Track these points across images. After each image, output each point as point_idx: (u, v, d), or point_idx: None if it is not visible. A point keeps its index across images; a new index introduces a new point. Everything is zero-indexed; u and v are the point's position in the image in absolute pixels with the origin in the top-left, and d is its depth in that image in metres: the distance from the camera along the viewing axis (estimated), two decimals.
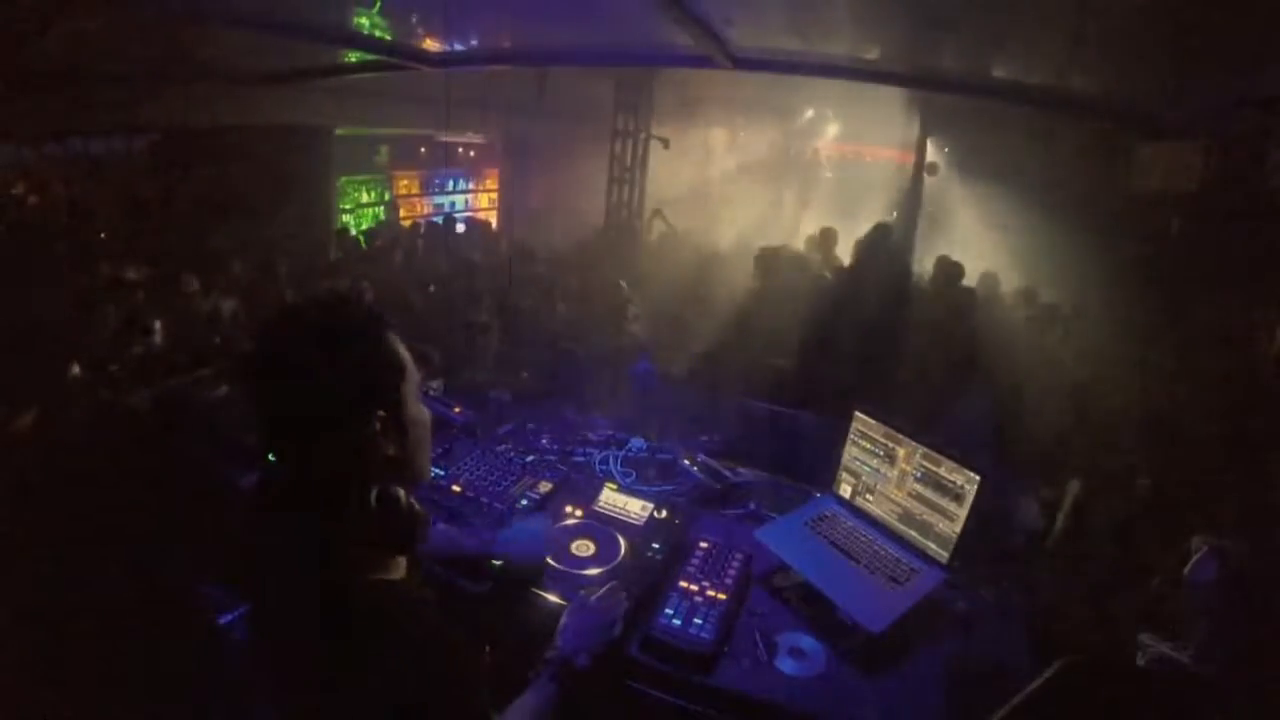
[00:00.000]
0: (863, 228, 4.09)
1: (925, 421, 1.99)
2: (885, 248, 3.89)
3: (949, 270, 5.12)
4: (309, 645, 0.94)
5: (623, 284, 5.31)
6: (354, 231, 7.36)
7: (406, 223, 8.48)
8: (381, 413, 0.95)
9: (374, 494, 0.97)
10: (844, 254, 5.84)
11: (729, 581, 1.66)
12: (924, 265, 5.70)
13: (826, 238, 6.12)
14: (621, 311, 4.89)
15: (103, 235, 4.96)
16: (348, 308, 1.00)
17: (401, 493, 1.00)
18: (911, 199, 7.29)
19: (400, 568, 1.04)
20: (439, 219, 8.40)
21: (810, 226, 7.11)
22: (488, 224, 9.07)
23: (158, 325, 3.79)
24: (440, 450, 2.16)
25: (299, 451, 0.95)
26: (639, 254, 7.30)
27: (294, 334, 0.95)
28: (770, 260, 4.90)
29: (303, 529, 0.96)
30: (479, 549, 1.64)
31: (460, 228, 7.88)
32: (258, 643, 1.08)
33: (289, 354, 0.93)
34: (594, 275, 6.10)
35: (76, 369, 2.91)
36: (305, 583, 0.94)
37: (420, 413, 1.03)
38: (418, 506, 1.03)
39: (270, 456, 0.98)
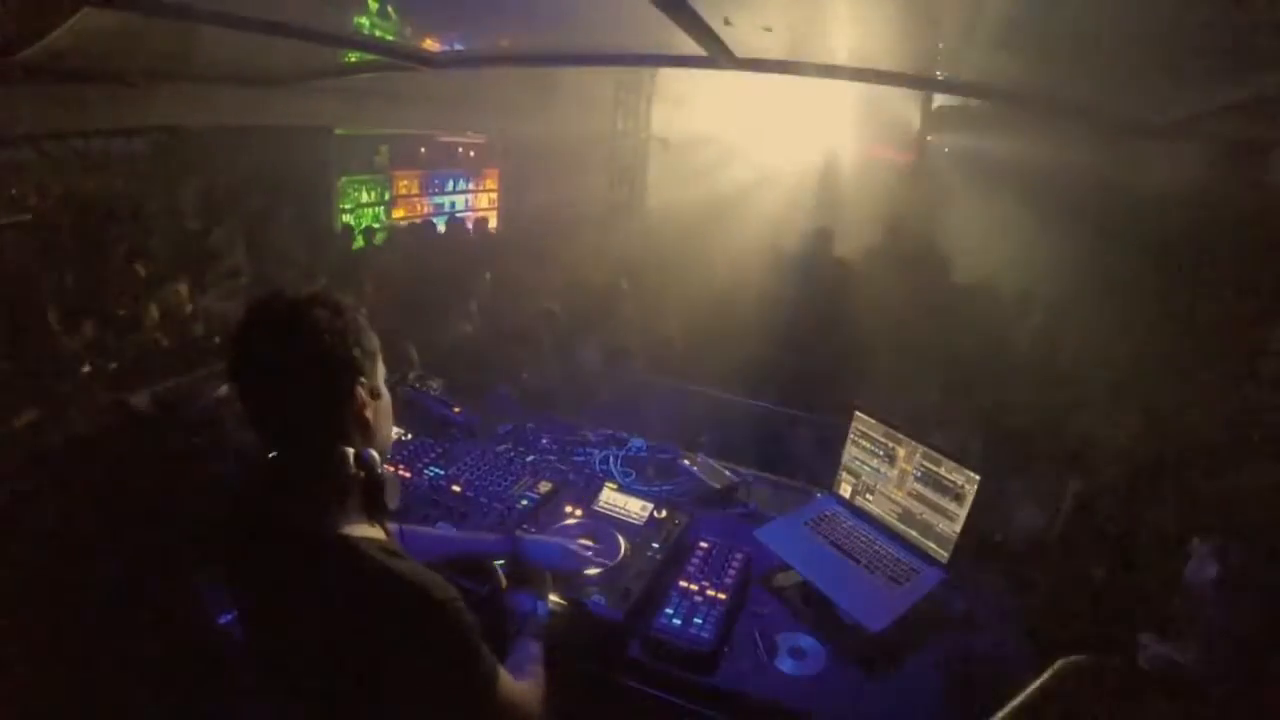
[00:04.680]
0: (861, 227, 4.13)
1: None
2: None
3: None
4: (306, 605, 0.97)
5: (624, 283, 5.28)
6: (356, 232, 7.36)
7: (404, 223, 8.46)
8: (362, 379, 1.02)
9: (353, 455, 1.02)
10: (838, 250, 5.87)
11: (729, 581, 1.66)
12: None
13: (823, 236, 6.13)
14: (618, 310, 4.87)
15: (101, 235, 4.96)
16: (311, 295, 1.05)
17: (375, 454, 1.05)
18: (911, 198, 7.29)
19: (379, 529, 1.08)
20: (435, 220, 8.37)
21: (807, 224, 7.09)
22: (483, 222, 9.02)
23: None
24: (440, 450, 2.16)
25: (294, 425, 1.01)
26: (638, 253, 7.27)
27: (266, 326, 1.00)
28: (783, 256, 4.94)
29: (291, 496, 1.01)
30: (495, 548, 1.60)
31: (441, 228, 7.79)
32: (253, 619, 1.10)
33: (267, 346, 0.98)
34: (585, 275, 6.06)
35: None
36: (296, 543, 0.99)
37: (383, 386, 1.10)
38: (386, 469, 1.08)
39: (269, 439, 1.02)
